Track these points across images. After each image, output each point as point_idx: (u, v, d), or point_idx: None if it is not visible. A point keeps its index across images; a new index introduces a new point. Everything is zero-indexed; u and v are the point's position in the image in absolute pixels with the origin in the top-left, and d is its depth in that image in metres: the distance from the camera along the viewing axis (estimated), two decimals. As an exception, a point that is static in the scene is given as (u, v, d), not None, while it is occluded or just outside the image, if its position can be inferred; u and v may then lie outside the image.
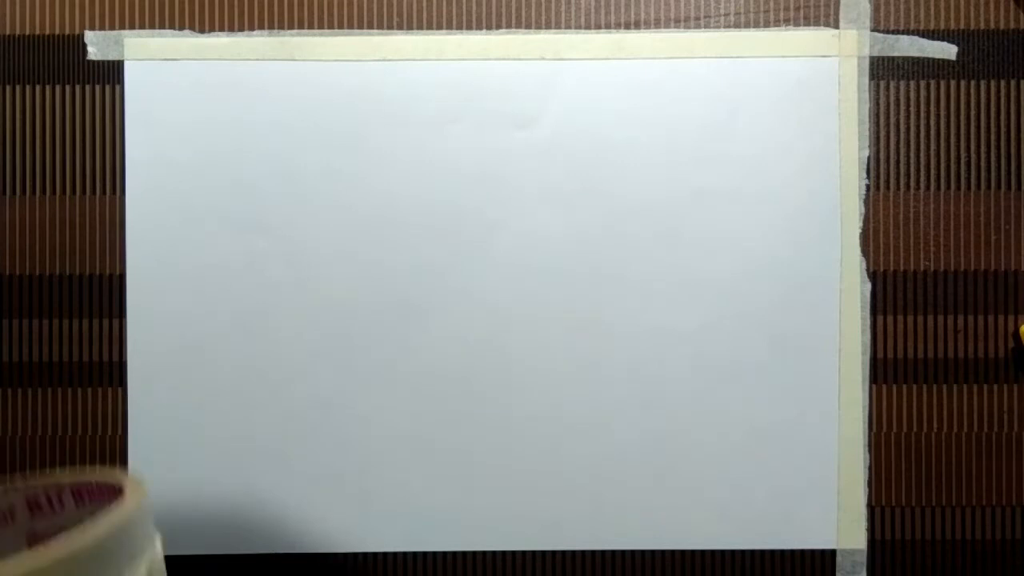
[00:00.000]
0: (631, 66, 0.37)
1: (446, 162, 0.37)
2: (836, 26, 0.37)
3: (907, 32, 0.37)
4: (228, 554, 0.37)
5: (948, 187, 0.37)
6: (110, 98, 0.37)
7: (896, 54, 0.37)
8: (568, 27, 0.37)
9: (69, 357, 0.37)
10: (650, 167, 0.37)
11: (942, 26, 0.37)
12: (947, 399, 0.37)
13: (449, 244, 0.37)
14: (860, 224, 0.37)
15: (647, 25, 0.37)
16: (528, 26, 0.37)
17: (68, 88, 0.37)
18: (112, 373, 0.37)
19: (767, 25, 0.37)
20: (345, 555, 0.37)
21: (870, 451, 0.37)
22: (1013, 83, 0.37)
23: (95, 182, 0.37)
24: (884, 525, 0.37)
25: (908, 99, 0.37)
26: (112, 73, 0.37)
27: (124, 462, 0.37)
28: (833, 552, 0.37)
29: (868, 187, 0.37)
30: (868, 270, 0.37)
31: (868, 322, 0.37)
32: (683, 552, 0.37)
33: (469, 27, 0.37)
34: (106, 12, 0.37)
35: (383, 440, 0.37)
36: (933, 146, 0.37)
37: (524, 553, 0.37)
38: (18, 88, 0.37)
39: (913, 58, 0.37)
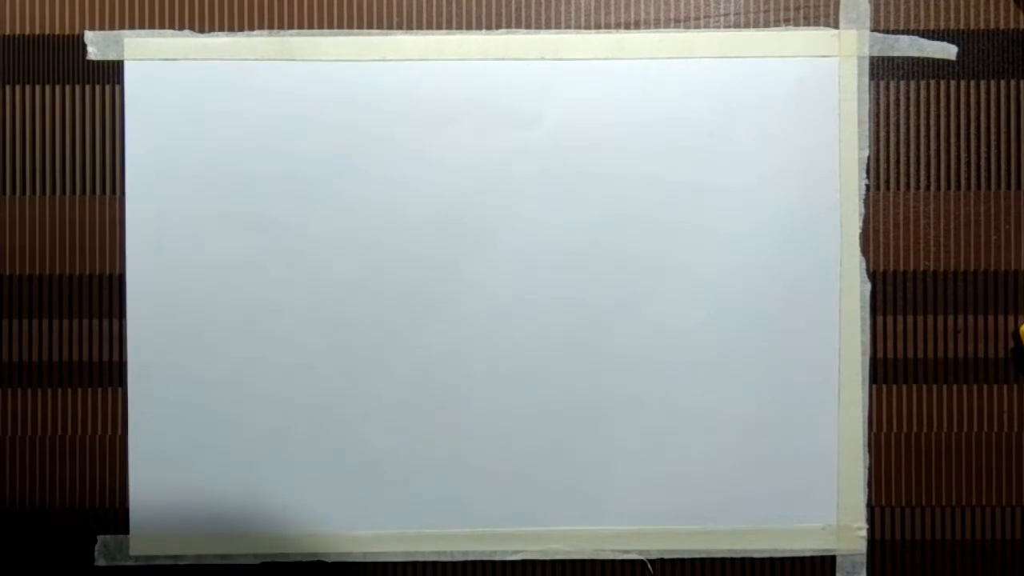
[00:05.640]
0: (631, 66, 0.37)
1: (446, 162, 0.37)
2: (836, 26, 0.37)
3: (907, 32, 0.37)
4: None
5: (948, 187, 0.37)
6: (110, 98, 0.37)
7: (896, 54, 0.37)
8: (568, 27, 0.37)
9: (69, 357, 0.37)
10: (650, 167, 0.37)
11: (942, 26, 0.37)
12: (947, 399, 0.37)
13: (449, 243, 0.37)
14: (860, 224, 0.37)
15: (647, 25, 0.37)
16: (528, 26, 0.37)
17: (68, 88, 0.37)
18: (112, 373, 0.37)
19: (767, 25, 0.37)
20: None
21: (870, 451, 0.37)
22: (1013, 83, 0.37)
23: (95, 182, 0.37)
24: (884, 525, 0.37)
25: (908, 99, 0.37)
26: (112, 73, 0.37)
27: (124, 462, 0.37)
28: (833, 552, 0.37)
29: (868, 187, 0.37)
30: (868, 270, 0.37)
31: (868, 322, 0.37)
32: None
33: (469, 27, 0.37)
34: (106, 12, 0.37)
35: (385, 437, 0.37)
36: (933, 146, 0.37)
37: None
38: (18, 88, 0.37)
39: (913, 58, 0.37)
